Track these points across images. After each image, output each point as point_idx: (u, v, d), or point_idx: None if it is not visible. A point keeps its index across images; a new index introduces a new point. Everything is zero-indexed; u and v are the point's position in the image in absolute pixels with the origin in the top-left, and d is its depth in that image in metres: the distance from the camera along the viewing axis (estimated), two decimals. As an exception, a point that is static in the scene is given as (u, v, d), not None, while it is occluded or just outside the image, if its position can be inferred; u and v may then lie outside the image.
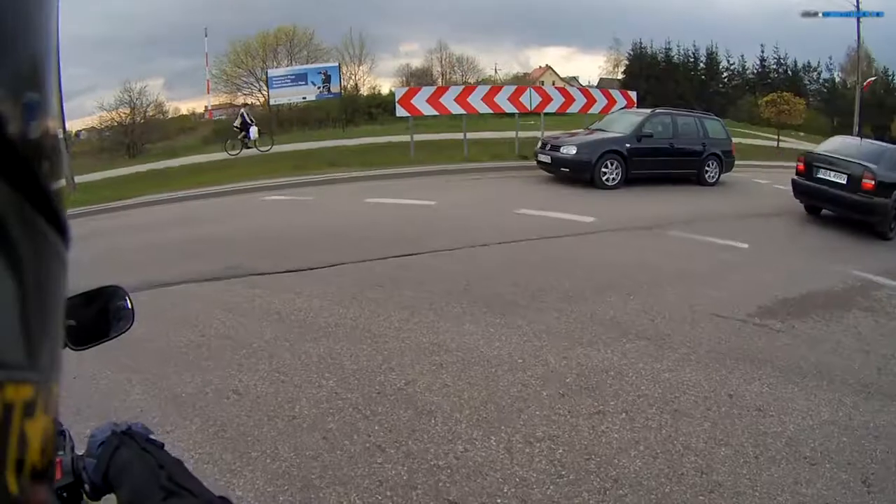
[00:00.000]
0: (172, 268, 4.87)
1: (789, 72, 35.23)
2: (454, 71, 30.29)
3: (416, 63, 30.51)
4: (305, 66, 21.72)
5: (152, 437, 0.74)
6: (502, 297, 4.13)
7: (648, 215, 6.99)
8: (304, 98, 20.12)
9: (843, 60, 34.20)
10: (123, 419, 0.76)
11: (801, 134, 22.38)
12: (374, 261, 4.97)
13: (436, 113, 11.44)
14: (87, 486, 0.71)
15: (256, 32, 24.81)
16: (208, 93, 27.77)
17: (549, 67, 38.99)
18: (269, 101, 21.59)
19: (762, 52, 35.02)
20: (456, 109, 11.41)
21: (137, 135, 24.05)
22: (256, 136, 15.06)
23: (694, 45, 34.76)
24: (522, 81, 27.53)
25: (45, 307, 0.22)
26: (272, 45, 25.02)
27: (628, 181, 8.94)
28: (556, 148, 9.11)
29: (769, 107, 20.37)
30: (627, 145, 9.00)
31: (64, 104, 14.08)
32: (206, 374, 3.04)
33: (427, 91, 11.59)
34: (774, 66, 35.66)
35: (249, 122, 15.20)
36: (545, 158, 9.25)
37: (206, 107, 29.36)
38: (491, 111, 11.84)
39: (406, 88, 12.08)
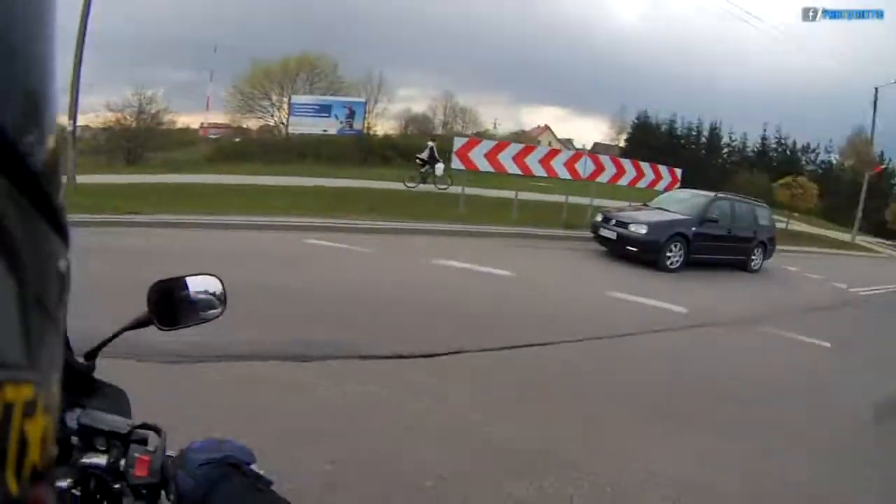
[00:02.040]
0: (223, 333, 3.17)
1: (788, 151, 36.35)
2: (456, 121, 31.44)
3: (417, 108, 31.62)
4: (331, 98, 20.85)
5: (254, 467, 0.72)
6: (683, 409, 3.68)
7: (732, 307, 7.07)
8: (324, 131, 19.02)
9: (842, 143, 33.86)
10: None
11: (796, 214, 22.73)
12: (483, 352, 4.23)
13: (492, 169, 11.04)
14: (171, 495, 0.70)
15: (281, 57, 24.14)
16: (207, 109, 27.11)
17: (547, 127, 40.12)
18: (287, 129, 20.61)
19: (764, 130, 36.27)
20: (512, 169, 11.10)
21: (140, 141, 22.61)
22: (441, 172, 14.40)
23: (699, 120, 36.09)
24: (521, 138, 28.00)
25: (46, 308, 0.23)
26: (293, 71, 24.20)
27: (686, 265, 8.93)
28: (622, 224, 8.95)
29: (783, 189, 20.93)
30: (693, 229, 9.04)
31: (79, 98, 12.35)
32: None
33: (487, 145, 11.28)
34: (774, 146, 37.14)
35: (437, 157, 14.74)
36: (609, 234, 9.04)
37: (201, 124, 28.05)
38: (546, 174, 11.60)
39: (466, 139, 11.61)
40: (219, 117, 27.27)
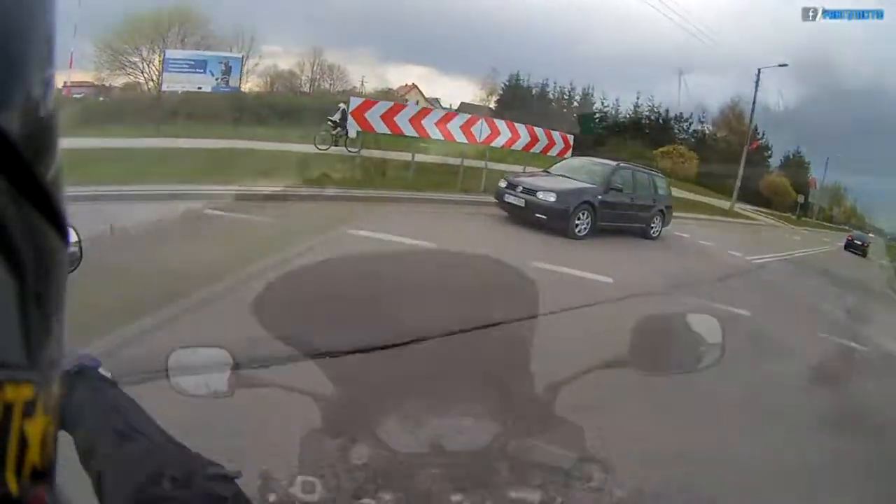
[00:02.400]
0: (146, 337, 3.05)
1: (661, 120, 38.06)
2: (325, 79, 30.52)
3: (283, 66, 30.70)
4: (206, 53, 19.66)
5: (103, 371, 0.70)
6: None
7: (648, 276, 6.99)
8: (199, 88, 18.15)
9: (715, 115, 37.53)
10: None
11: (671, 180, 23.93)
12: (448, 336, 3.50)
13: (388, 131, 10.49)
14: None
15: (152, 9, 21.84)
16: (70, 67, 24.80)
17: (415, 86, 39.55)
18: (160, 86, 18.93)
19: (637, 98, 37.68)
20: (409, 131, 10.59)
21: (6, 104, 20.76)
22: (355, 135, 13.30)
23: (571, 85, 36.97)
24: (389, 97, 27.37)
25: (46, 307, 0.23)
26: (166, 24, 22.10)
27: (592, 232, 8.91)
28: (530, 192, 8.74)
29: (665, 158, 21.98)
30: (599, 197, 9.02)
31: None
32: None
33: (383, 106, 10.71)
34: (647, 114, 38.53)
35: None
36: (516, 201, 8.79)
37: (65, 82, 25.64)
38: (442, 137, 11.14)
39: (362, 100, 11.01)
40: (83, 75, 23.69)
